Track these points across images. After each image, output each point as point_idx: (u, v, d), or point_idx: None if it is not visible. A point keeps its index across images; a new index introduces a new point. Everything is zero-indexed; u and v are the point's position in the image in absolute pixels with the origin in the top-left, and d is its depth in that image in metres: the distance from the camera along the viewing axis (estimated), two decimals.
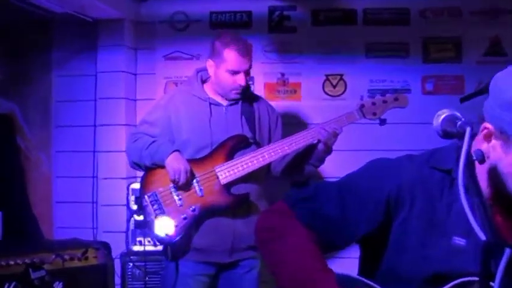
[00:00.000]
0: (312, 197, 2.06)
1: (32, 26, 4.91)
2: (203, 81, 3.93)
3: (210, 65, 3.85)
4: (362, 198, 2.01)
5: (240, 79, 3.78)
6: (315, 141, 3.79)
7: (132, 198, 4.61)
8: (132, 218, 4.55)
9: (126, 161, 3.95)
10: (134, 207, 4.53)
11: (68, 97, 5.14)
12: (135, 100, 5.16)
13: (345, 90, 4.98)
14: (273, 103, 4.24)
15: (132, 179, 4.92)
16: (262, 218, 2.17)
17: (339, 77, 4.98)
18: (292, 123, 4.83)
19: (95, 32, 5.03)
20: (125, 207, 4.74)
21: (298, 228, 2.01)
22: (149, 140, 3.78)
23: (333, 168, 4.51)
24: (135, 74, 5.17)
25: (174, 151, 3.70)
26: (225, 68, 3.77)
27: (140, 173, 3.98)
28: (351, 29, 5.00)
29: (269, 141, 3.95)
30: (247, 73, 3.82)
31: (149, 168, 3.78)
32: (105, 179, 5.02)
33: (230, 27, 5.03)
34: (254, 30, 5.04)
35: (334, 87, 4.99)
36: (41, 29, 5.04)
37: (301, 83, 5.03)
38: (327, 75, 5.01)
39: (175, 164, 3.66)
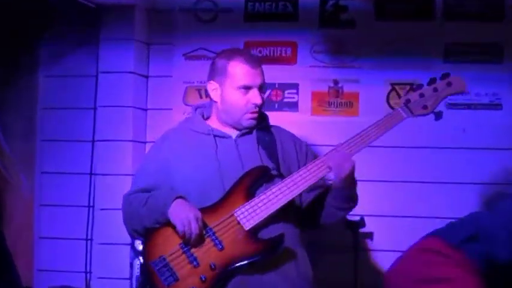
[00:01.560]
0: (478, 236, 2.16)
1: (15, 11, 4.75)
2: (205, 119, 3.91)
3: (213, 88, 3.79)
4: None
5: (255, 96, 3.71)
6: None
7: None
8: (137, 261, 4.60)
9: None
10: (140, 247, 4.29)
11: (59, 103, 5.10)
12: (145, 110, 5.09)
13: None
14: (322, 118, 4.52)
15: None
16: (421, 263, 2.23)
17: (408, 86, 4.74)
18: None
19: (96, 21, 5.00)
20: (129, 246, 4.78)
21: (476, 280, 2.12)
22: (145, 196, 3.71)
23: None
24: (147, 77, 5.11)
25: (176, 198, 3.61)
26: (232, 85, 3.72)
27: None
28: (426, 25, 4.85)
29: None
30: (261, 90, 3.75)
31: (150, 230, 3.70)
32: (104, 209, 4.92)
33: (270, 19, 4.98)
34: (301, 24, 4.95)
35: None
36: (26, 15, 4.90)
37: (359, 93, 4.93)
38: (392, 84, 4.90)
39: (181, 212, 3.57)
